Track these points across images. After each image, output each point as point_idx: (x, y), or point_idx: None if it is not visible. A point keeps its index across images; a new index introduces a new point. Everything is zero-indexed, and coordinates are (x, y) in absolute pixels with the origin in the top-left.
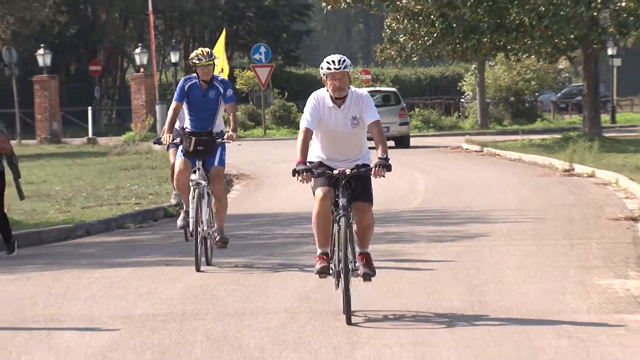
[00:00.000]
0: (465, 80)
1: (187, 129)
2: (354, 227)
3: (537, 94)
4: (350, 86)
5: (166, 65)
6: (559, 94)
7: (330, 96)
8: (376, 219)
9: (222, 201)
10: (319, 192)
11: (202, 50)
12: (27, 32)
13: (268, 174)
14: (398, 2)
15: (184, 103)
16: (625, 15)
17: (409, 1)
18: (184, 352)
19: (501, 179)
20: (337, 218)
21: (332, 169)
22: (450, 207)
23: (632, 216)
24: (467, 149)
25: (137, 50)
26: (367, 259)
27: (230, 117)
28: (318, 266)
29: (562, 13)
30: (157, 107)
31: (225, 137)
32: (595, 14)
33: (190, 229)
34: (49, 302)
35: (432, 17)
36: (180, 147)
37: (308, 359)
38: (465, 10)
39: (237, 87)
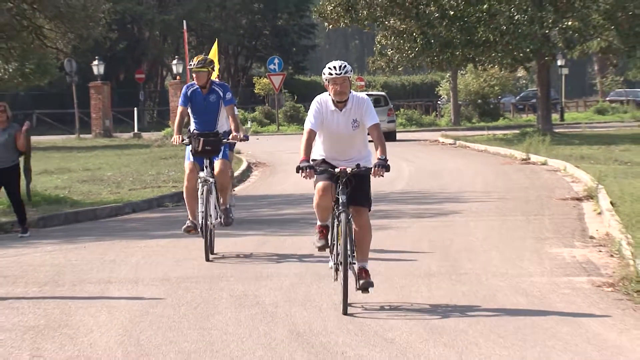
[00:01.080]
0: (441, 86)
1: (194, 131)
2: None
3: (499, 97)
4: (352, 91)
5: None
6: (518, 97)
7: (333, 100)
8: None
9: (226, 191)
10: (319, 185)
11: (195, 58)
12: (85, 47)
13: (280, 162)
14: (386, 23)
15: (189, 107)
16: (571, 32)
17: (395, 21)
18: (212, 307)
19: (471, 166)
20: (337, 214)
21: (333, 167)
22: (430, 189)
23: (578, 197)
24: (442, 142)
25: (174, 62)
26: (365, 272)
27: (230, 119)
28: (318, 243)
29: (520, 31)
30: None
31: (230, 137)
32: (547, 31)
33: (200, 222)
34: (102, 267)
35: (414, 34)
36: (189, 148)
37: (313, 312)
38: (441, 29)
39: (255, 91)
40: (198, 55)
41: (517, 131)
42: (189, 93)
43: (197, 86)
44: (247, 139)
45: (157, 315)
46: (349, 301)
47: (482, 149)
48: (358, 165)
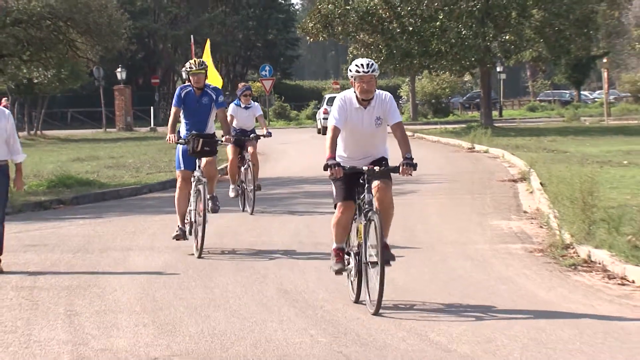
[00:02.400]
0: (402, 88)
1: (193, 132)
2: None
3: (449, 97)
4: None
5: None
6: (464, 97)
7: (357, 97)
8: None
9: (213, 181)
10: (341, 203)
11: (194, 60)
12: (110, 56)
13: (271, 151)
14: (357, 37)
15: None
16: (508, 45)
17: (364, 36)
18: (215, 270)
19: (426, 154)
20: (364, 212)
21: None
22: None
23: (513, 179)
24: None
25: (183, 69)
26: (386, 246)
27: (222, 122)
28: (335, 266)
29: (466, 43)
30: None
31: (224, 139)
32: (488, 44)
33: (193, 219)
34: (124, 237)
35: (379, 46)
36: (181, 147)
37: (298, 275)
38: (402, 42)
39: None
40: (194, 59)
41: (464, 125)
42: (182, 94)
43: (191, 88)
44: (271, 135)
45: (169, 276)
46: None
47: (436, 140)
48: (383, 163)
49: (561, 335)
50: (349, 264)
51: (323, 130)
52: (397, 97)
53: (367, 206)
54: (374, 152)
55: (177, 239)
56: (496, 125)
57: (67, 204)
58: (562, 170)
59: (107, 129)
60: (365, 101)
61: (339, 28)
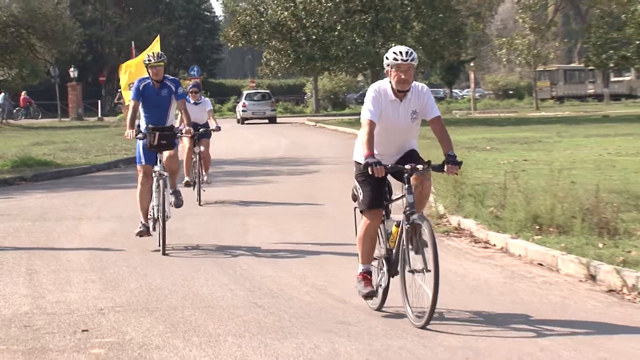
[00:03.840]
0: (306, 86)
1: (149, 125)
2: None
3: (346, 94)
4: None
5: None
6: (358, 94)
7: (393, 89)
8: (256, 162)
9: (175, 175)
10: (371, 215)
11: (153, 52)
12: (64, 58)
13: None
14: (270, 44)
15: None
16: None
17: (276, 43)
18: (153, 238)
19: (326, 140)
20: (407, 215)
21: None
22: (299, 156)
23: None
24: (307, 124)
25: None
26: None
27: (182, 113)
28: (364, 290)
29: (359, 50)
30: None
31: (184, 131)
32: (377, 50)
33: (155, 215)
34: (75, 208)
35: (288, 52)
36: (141, 142)
37: (219, 239)
38: (307, 48)
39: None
40: (152, 51)
41: (357, 117)
42: (141, 87)
43: (149, 81)
44: (220, 129)
45: (114, 241)
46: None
47: (334, 129)
48: (429, 163)
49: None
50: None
51: (242, 120)
52: (302, 94)
53: (408, 209)
54: (405, 147)
55: (140, 235)
56: None
57: (27, 181)
58: (436, 154)
59: (62, 119)
60: (401, 93)
61: (255, 36)
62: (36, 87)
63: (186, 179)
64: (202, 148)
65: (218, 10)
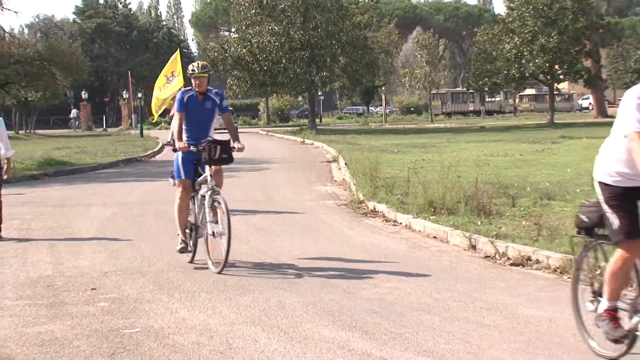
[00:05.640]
0: (260, 105)
1: (208, 138)
2: None
3: (289, 110)
4: None
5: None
6: (299, 110)
7: None
8: None
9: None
10: (629, 246)
11: (197, 63)
12: (77, 84)
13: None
14: (232, 73)
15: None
16: (325, 79)
17: (237, 73)
18: (144, 216)
19: (275, 145)
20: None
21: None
22: (255, 157)
23: (329, 160)
24: (261, 133)
25: (124, 92)
26: None
27: (229, 127)
28: (615, 333)
29: (299, 77)
30: (133, 117)
31: (237, 147)
32: (313, 78)
33: (210, 231)
34: (86, 196)
35: (247, 79)
36: (181, 155)
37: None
38: (260, 76)
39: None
40: (197, 61)
41: (298, 128)
42: (185, 98)
43: (193, 92)
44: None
45: (114, 221)
46: None
47: (281, 137)
48: None
49: (357, 256)
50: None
51: None
52: (257, 110)
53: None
54: None
55: (182, 252)
56: (318, 127)
57: (50, 176)
58: (358, 155)
59: (76, 130)
60: None
61: (221, 67)
62: (56, 105)
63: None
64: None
65: (194, 47)
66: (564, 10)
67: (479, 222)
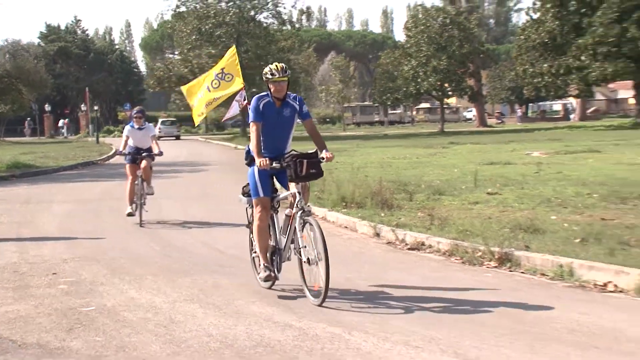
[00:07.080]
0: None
1: (292, 152)
2: None
3: (224, 121)
4: None
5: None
6: (233, 121)
7: None
8: (168, 164)
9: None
10: None
11: (276, 65)
12: (41, 98)
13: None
14: (176, 89)
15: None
16: (255, 93)
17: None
18: (102, 214)
19: (212, 150)
20: None
21: None
22: (195, 160)
23: None
24: (200, 140)
25: (82, 105)
26: None
27: (313, 136)
28: None
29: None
30: (90, 126)
31: (325, 158)
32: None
33: (304, 258)
34: (49, 194)
35: None
36: (257, 170)
37: (147, 216)
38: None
39: (119, 117)
40: (276, 64)
41: (232, 135)
42: (261, 106)
43: (269, 98)
44: (162, 154)
45: (74, 215)
46: None
47: (217, 143)
48: None
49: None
50: None
51: (157, 138)
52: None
53: None
54: None
55: (266, 280)
56: (248, 135)
57: (17, 177)
58: None
59: (40, 137)
60: None
61: (166, 84)
62: (23, 116)
63: (129, 209)
64: (142, 164)
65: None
66: (452, 38)
67: (383, 214)
